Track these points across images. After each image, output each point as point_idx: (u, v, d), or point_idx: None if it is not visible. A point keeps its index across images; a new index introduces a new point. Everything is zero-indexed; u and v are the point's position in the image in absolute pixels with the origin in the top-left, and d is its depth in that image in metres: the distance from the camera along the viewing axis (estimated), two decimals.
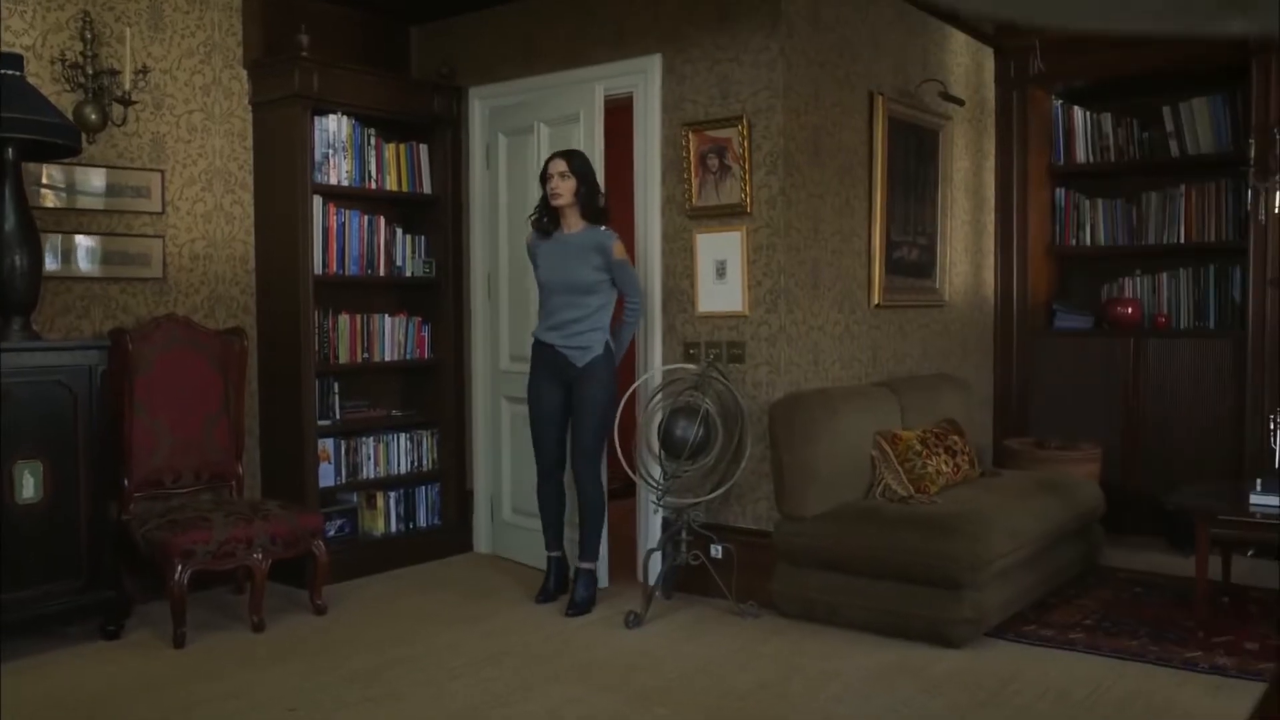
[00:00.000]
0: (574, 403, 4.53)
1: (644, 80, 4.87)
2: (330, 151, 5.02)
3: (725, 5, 4.61)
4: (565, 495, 4.75)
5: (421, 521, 5.52)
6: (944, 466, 4.67)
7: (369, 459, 5.26)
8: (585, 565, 4.59)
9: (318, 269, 4.96)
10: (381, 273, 5.29)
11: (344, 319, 5.15)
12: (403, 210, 5.49)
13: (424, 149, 5.47)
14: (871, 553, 4.10)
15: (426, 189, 5.48)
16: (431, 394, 5.56)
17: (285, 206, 4.92)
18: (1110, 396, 5.98)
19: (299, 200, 4.87)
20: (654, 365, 4.87)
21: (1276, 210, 5.33)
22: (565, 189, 4.42)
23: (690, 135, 4.70)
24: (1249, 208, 5.48)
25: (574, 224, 4.50)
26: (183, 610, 4.06)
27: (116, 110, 4.46)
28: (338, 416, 5.19)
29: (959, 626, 3.95)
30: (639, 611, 4.35)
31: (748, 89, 4.57)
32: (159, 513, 4.30)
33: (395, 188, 5.34)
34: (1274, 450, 5.34)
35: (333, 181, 5.04)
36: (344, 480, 5.17)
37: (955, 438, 4.92)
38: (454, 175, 5.54)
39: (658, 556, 4.57)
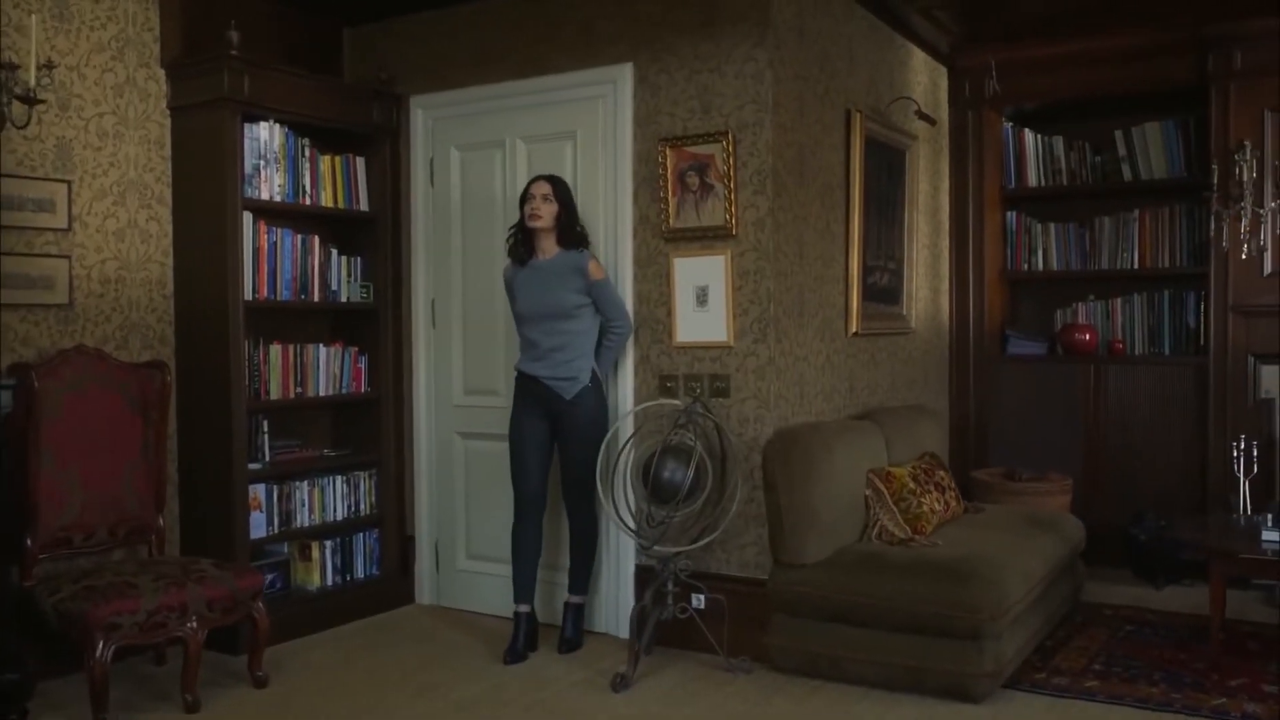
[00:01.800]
0: (562, 435, 4.31)
1: (614, 91, 4.50)
2: (261, 163, 4.49)
3: (708, 11, 4.28)
4: (543, 541, 4.34)
5: (360, 572, 4.99)
6: (936, 505, 4.41)
7: (303, 505, 4.72)
8: (575, 599, 4.40)
9: (247, 294, 4.42)
10: (316, 298, 4.77)
11: (275, 349, 4.61)
12: (338, 229, 4.97)
13: (361, 162, 4.97)
14: (881, 602, 3.80)
15: (363, 206, 4.98)
16: (369, 431, 5.04)
17: (210, 224, 4.37)
18: (1070, 424, 5.85)
19: (227, 217, 4.33)
20: (626, 399, 4.49)
21: (1243, 236, 5.28)
22: (546, 212, 4.24)
23: (668, 151, 4.35)
24: (1211, 234, 5.42)
25: (549, 249, 4.31)
26: (105, 693, 3.48)
27: (18, 109, 3.83)
28: (268, 459, 4.64)
29: (980, 681, 3.67)
30: (625, 673, 3.95)
31: (732, 102, 4.25)
32: (71, 577, 3.70)
33: (331, 204, 4.83)
34: (1237, 478, 5.30)
35: (264, 196, 4.51)
36: (276, 530, 4.61)
37: (941, 473, 4.68)
38: (393, 191, 5.06)
39: (637, 607, 4.17)
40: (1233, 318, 5.41)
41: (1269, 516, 4.02)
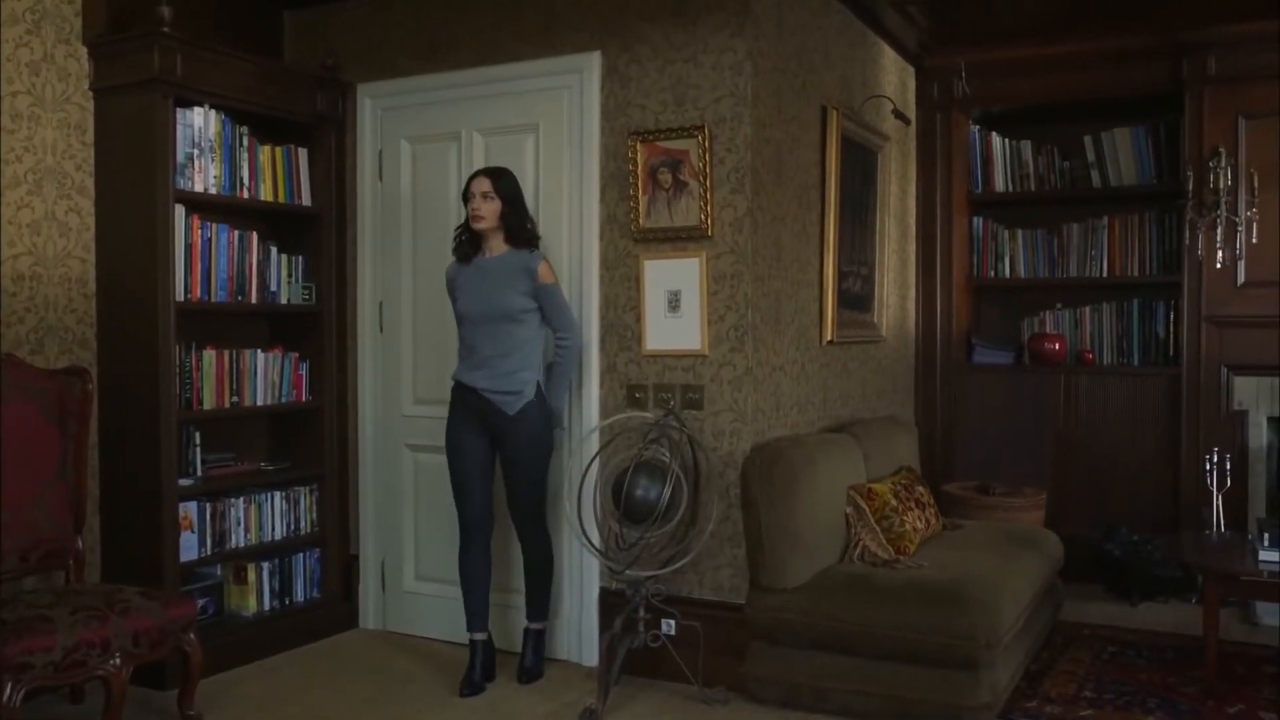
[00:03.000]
0: (506, 456, 3.99)
1: (579, 81, 4.22)
2: (196, 152, 4.12)
3: None
4: (492, 563, 4.04)
5: (299, 595, 4.62)
6: (918, 523, 4.19)
7: (238, 524, 4.34)
8: (535, 625, 4.11)
9: (179, 295, 4.05)
10: (254, 300, 4.40)
11: (209, 355, 4.23)
12: (278, 226, 4.61)
13: (303, 153, 4.62)
14: (871, 629, 3.56)
15: (306, 201, 4.62)
16: (311, 443, 4.68)
17: (138, 217, 3.99)
18: (1039, 435, 5.69)
19: (157, 210, 3.95)
20: (591, 411, 4.20)
21: (1218, 245, 5.16)
22: (488, 211, 3.90)
23: (638, 146, 4.07)
24: (1185, 242, 5.30)
25: (497, 248, 3.98)
26: None
27: None
28: (200, 474, 4.26)
29: (977, 713, 3.45)
30: (594, 706, 3.66)
31: (708, 95, 3.99)
32: None
33: (271, 198, 4.47)
34: (1210, 491, 5.18)
35: (198, 189, 4.14)
36: (209, 551, 4.23)
37: (920, 489, 4.46)
38: (338, 186, 4.71)
39: (606, 637, 3.88)
40: (1206, 328, 5.29)
41: (1266, 536, 3.86)
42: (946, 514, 5.07)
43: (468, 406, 3.96)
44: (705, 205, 3.97)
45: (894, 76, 5.52)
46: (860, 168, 4.92)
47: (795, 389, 4.35)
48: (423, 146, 4.56)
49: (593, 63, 4.18)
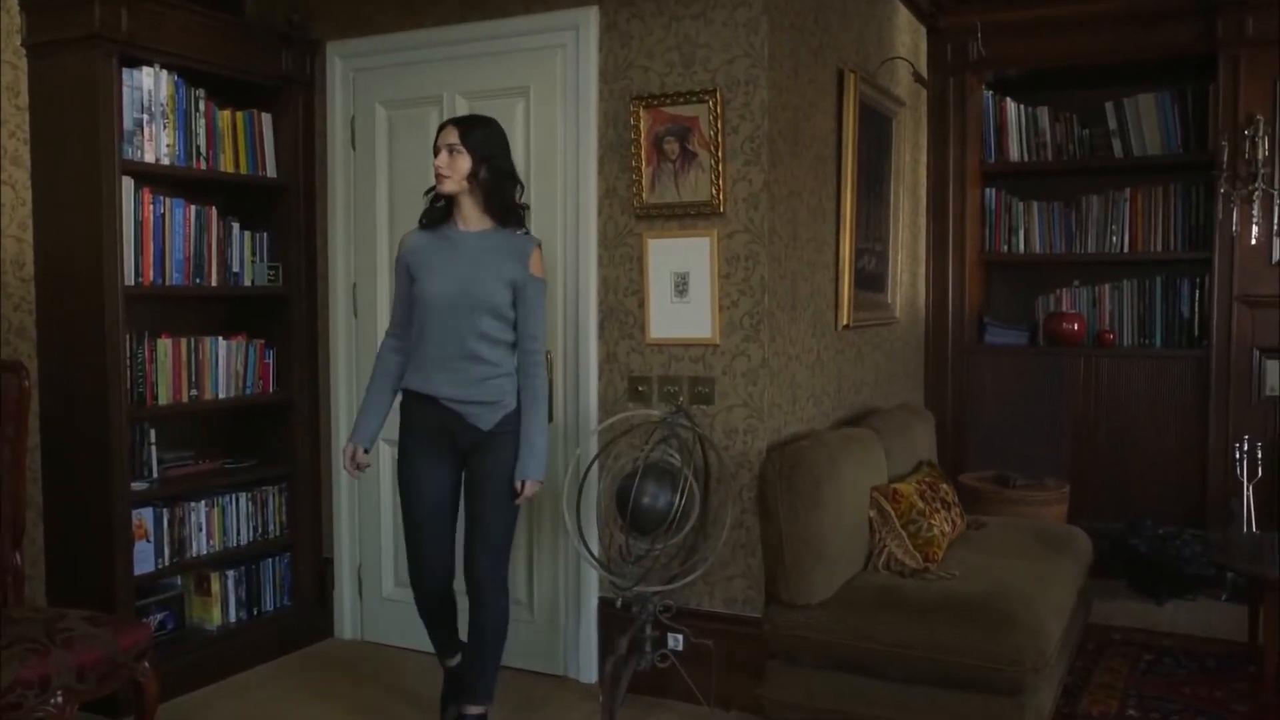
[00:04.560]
0: (473, 484, 3.16)
1: (575, 39, 3.80)
2: (145, 118, 3.68)
3: None
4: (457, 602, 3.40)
5: (268, 604, 4.24)
6: (945, 526, 3.85)
7: (200, 530, 3.95)
8: (474, 711, 3.21)
9: (129, 278, 3.62)
10: (214, 282, 3.98)
11: (164, 344, 3.81)
12: (240, 200, 4.17)
13: (267, 119, 4.18)
14: (902, 650, 3.22)
15: (270, 172, 4.19)
16: (279, 439, 4.28)
17: (81, 191, 3.55)
18: (1056, 421, 5.37)
19: (102, 183, 3.52)
20: (589, 405, 3.82)
21: (1254, 219, 4.84)
22: (454, 169, 3.09)
23: (642, 112, 3.67)
24: (1219, 217, 4.96)
25: (473, 221, 3.17)
26: None
27: None
28: (156, 476, 3.86)
29: None
30: None
31: (720, 55, 3.58)
32: None
33: (231, 169, 4.04)
34: (1240, 482, 4.90)
35: (149, 159, 3.70)
36: (167, 562, 3.84)
37: (945, 486, 4.12)
38: (306, 155, 4.28)
39: (611, 660, 3.52)
40: (1238, 308, 4.97)
41: None
42: (965, 509, 4.75)
43: (426, 425, 3.13)
44: (717, 179, 3.58)
45: (908, 37, 5.12)
46: (876, 136, 4.54)
47: (811, 380, 3.99)
48: (400, 112, 4.13)
49: (589, 19, 3.77)
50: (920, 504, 3.78)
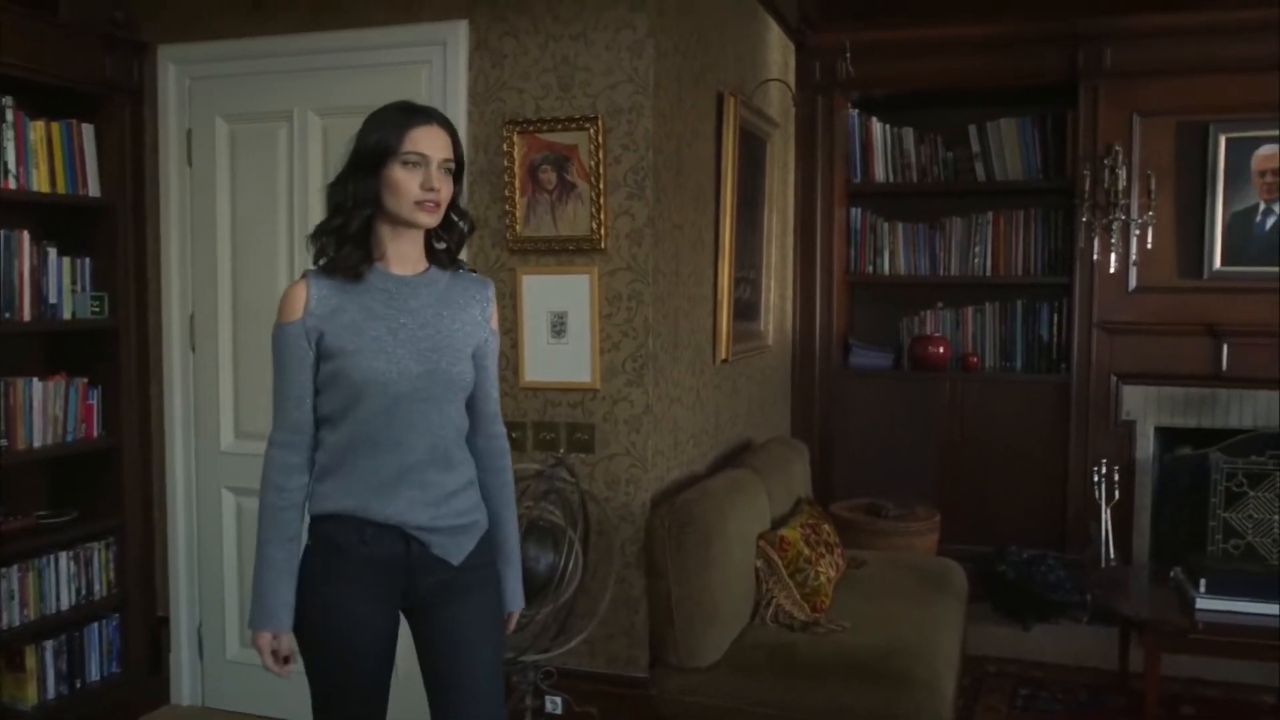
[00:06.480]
0: (443, 642, 2.21)
1: (442, 55, 3.51)
2: None
3: None
4: None
5: (94, 674, 3.79)
6: (830, 571, 3.74)
7: (12, 598, 3.48)
8: None
9: None
10: (26, 316, 3.50)
11: None
12: (57, 222, 3.70)
13: (89, 131, 3.72)
14: (800, 715, 3.08)
15: (93, 191, 3.73)
16: (106, 489, 3.83)
17: None
18: (924, 447, 5.36)
19: None
20: None
21: (1112, 247, 4.92)
22: (446, 194, 2.14)
23: (516, 138, 3.41)
24: (1080, 244, 5.03)
25: (410, 261, 2.19)
26: None
27: None
28: None
29: None
30: None
31: (601, 80, 3.35)
32: None
33: (46, 188, 3.56)
34: (1099, 504, 4.99)
35: None
36: None
37: (826, 527, 4.02)
38: (136, 172, 3.83)
39: None
40: (1096, 334, 5.06)
41: (1201, 581, 3.59)
42: (841, 542, 4.67)
43: (372, 563, 2.14)
44: (598, 212, 3.36)
45: (779, 55, 5.01)
46: (752, 160, 4.40)
47: (691, 420, 3.81)
48: (244, 127, 3.75)
49: (458, 34, 3.48)
50: (806, 551, 3.65)
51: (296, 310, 2.11)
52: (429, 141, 2.09)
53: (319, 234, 2.14)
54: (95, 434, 3.77)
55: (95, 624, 3.79)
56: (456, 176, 2.16)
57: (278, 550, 2.14)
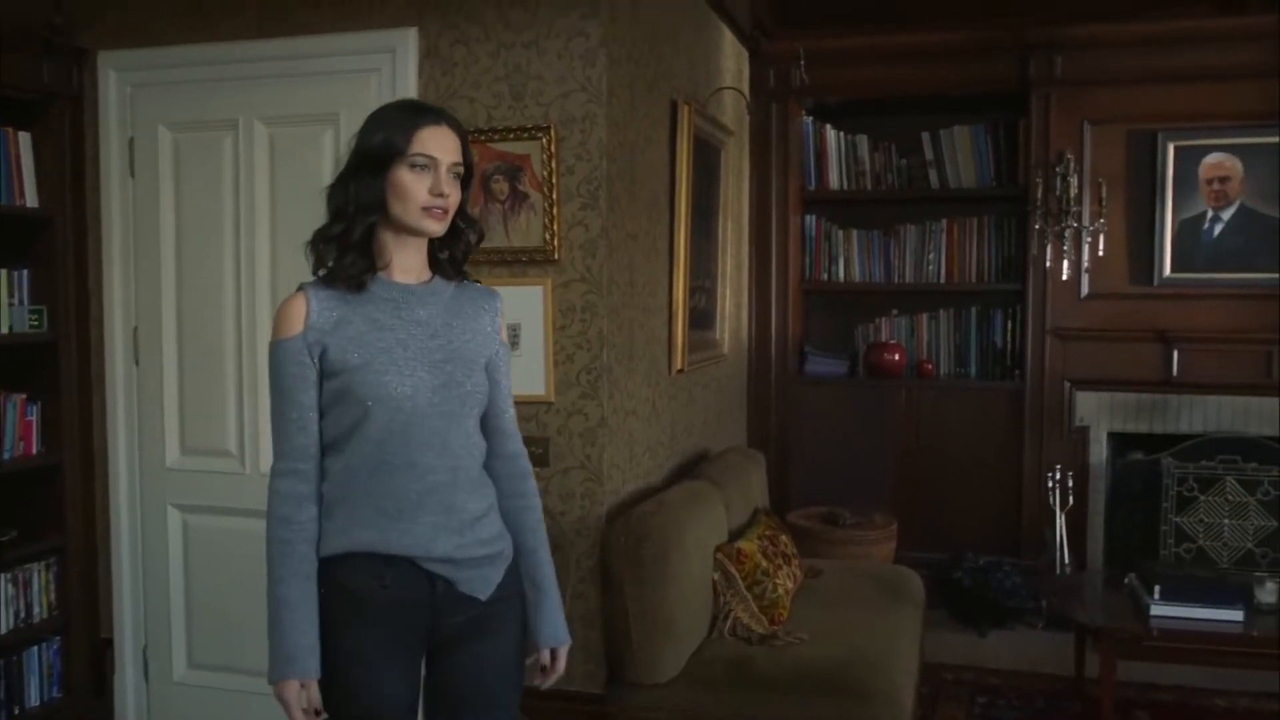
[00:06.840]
0: (463, 681, 2.06)
1: (391, 63, 3.45)
2: None
3: None
4: None
5: (33, 698, 3.68)
6: (788, 582, 3.72)
7: None
8: None
9: None
10: None
11: None
12: None
13: (25, 139, 3.61)
14: None
15: (30, 201, 3.63)
16: (46, 508, 3.72)
17: None
18: (880, 454, 5.36)
19: None
20: None
21: (1065, 255, 4.95)
22: (455, 199, 2.01)
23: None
24: (1033, 251, 5.06)
25: (414, 269, 2.06)
26: None
27: None
28: None
29: None
30: None
31: (554, 89, 3.31)
32: None
33: None
34: (1053, 510, 5.02)
35: None
36: None
37: (784, 538, 4.00)
38: (75, 182, 3.73)
39: None
40: (1050, 340, 5.10)
41: (1155, 588, 3.61)
42: (798, 551, 4.66)
43: (392, 604, 1.97)
44: (551, 222, 3.32)
45: (733, 63, 4.99)
46: (706, 168, 4.38)
47: (647, 432, 3.78)
48: (189, 135, 3.66)
49: (407, 41, 3.42)
50: (764, 563, 3.62)
51: (296, 325, 1.95)
52: (438, 143, 1.96)
53: (318, 241, 1.99)
54: (34, 450, 3.67)
55: (35, 647, 3.68)
56: (465, 182, 2.04)
57: (292, 589, 1.93)
